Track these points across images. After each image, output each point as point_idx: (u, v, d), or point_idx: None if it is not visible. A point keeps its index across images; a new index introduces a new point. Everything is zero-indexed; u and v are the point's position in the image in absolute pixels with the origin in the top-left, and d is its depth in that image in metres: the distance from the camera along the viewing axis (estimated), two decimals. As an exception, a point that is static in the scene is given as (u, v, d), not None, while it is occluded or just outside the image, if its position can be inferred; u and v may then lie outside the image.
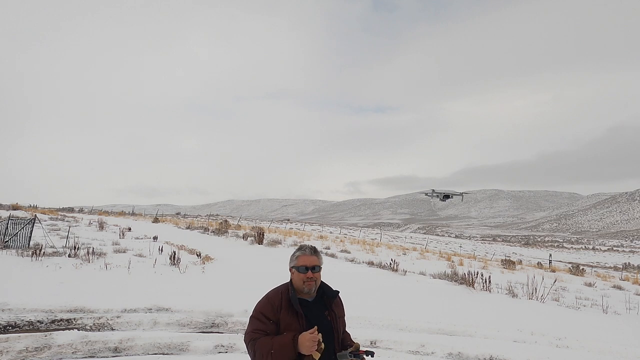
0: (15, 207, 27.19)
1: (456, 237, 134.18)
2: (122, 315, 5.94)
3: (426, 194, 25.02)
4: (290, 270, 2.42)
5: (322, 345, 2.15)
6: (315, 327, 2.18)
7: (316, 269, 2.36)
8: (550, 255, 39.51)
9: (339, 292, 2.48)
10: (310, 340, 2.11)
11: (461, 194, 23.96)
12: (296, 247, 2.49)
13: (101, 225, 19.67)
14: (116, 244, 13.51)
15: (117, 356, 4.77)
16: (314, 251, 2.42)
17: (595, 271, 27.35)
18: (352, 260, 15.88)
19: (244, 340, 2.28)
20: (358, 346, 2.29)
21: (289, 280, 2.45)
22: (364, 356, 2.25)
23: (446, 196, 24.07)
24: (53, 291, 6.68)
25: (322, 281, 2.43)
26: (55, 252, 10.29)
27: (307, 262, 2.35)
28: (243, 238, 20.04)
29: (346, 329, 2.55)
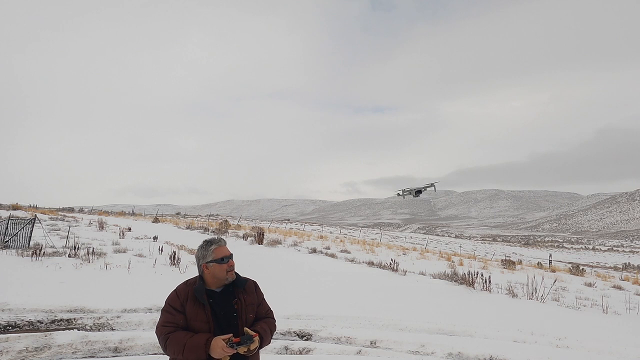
0: (15, 207, 27.16)
1: (456, 237, 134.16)
2: (122, 315, 5.94)
3: (398, 195, 24.52)
4: (204, 266, 2.42)
5: (236, 350, 2.21)
6: (231, 334, 2.25)
7: (232, 257, 2.46)
8: (550, 255, 39.50)
9: (247, 280, 2.54)
10: (222, 348, 2.17)
11: (432, 184, 23.61)
12: (203, 243, 2.48)
13: (101, 225, 19.66)
14: (116, 244, 13.50)
15: (117, 356, 4.77)
16: (225, 242, 2.50)
17: (595, 271, 27.33)
18: (352, 260, 15.89)
19: (156, 333, 2.34)
20: (245, 332, 2.31)
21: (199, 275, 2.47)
22: (248, 342, 2.25)
23: (418, 192, 23.68)
24: (53, 291, 6.68)
25: None
26: (56, 252, 10.29)
27: (224, 252, 2.43)
28: (243, 238, 20.05)
29: (273, 317, 2.57)
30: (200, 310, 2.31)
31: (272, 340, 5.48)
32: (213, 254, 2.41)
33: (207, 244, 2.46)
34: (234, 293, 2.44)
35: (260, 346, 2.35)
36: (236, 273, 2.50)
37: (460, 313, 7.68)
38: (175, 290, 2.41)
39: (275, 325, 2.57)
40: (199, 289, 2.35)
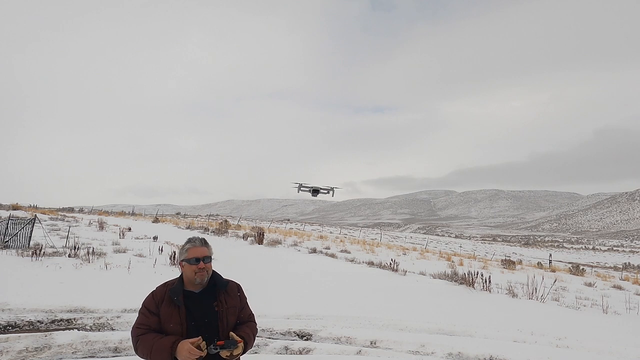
0: (15, 207, 27.17)
1: (456, 237, 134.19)
2: (122, 315, 5.95)
3: (298, 190, 24.02)
4: (180, 264, 2.41)
5: (204, 353, 2.17)
6: (200, 337, 2.19)
7: (207, 259, 2.38)
8: (550, 255, 39.48)
9: (228, 282, 2.48)
10: (188, 351, 2.13)
11: (332, 189, 23.32)
12: (185, 241, 2.47)
13: (101, 225, 19.66)
14: (116, 244, 13.50)
15: (117, 356, 4.78)
16: (203, 242, 2.44)
17: (595, 271, 27.33)
18: (352, 260, 15.89)
19: (131, 333, 2.32)
20: (230, 337, 2.28)
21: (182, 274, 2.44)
22: (232, 346, 2.23)
23: (315, 191, 23.37)
24: (53, 291, 6.68)
25: (214, 271, 2.45)
26: (56, 252, 10.29)
27: (197, 253, 2.37)
28: (243, 238, 20.05)
29: (255, 321, 2.53)
30: (175, 311, 2.26)
31: (271, 341, 5.50)
32: (187, 253, 2.38)
33: (186, 242, 2.44)
34: (215, 295, 2.38)
35: (243, 351, 2.31)
36: (218, 274, 2.45)
37: (460, 313, 7.68)
38: (152, 291, 2.37)
39: (257, 329, 2.53)
40: (175, 289, 2.31)
